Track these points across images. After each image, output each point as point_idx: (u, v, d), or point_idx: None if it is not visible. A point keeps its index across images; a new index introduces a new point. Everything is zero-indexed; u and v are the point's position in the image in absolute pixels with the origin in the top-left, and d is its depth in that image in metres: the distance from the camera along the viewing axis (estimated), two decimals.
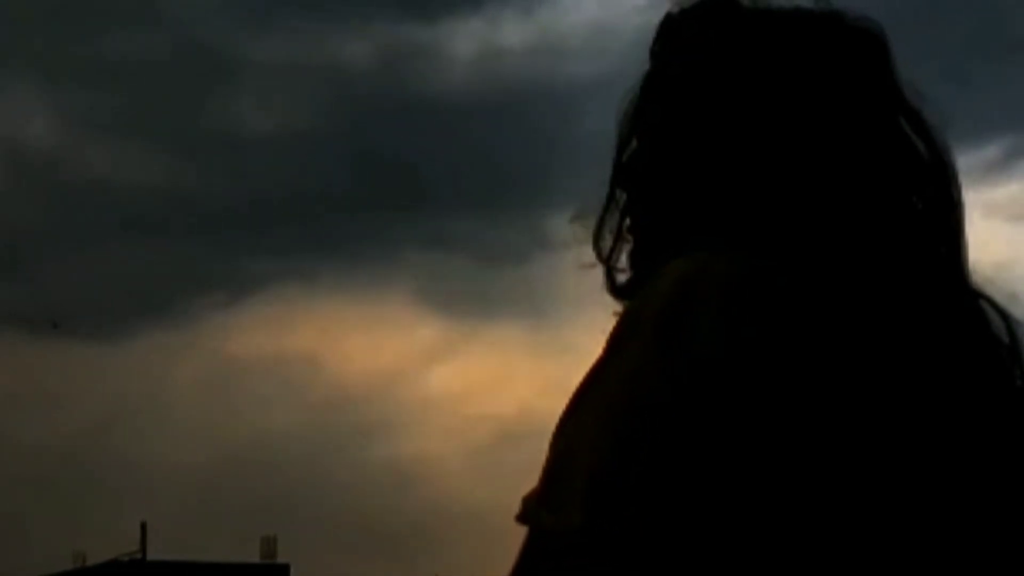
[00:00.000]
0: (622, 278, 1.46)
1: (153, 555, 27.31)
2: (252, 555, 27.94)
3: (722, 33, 1.42)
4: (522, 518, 1.30)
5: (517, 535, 1.32)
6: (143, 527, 27.09)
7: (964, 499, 1.30)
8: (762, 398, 1.26)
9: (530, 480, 1.35)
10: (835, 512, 1.27)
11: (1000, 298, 1.39)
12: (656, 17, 1.48)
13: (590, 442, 1.28)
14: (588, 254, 1.50)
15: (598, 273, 1.49)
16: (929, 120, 1.41)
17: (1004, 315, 1.38)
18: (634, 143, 1.46)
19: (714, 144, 1.39)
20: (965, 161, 1.47)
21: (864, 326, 1.30)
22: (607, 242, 1.46)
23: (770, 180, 1.36)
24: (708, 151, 1.40)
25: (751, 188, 1.37)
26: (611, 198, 1.46)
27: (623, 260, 1.46)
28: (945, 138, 1.42)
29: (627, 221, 1.45)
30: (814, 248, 1.33)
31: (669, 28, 1.46)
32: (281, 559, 27.91)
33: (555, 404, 1.35)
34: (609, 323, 1.34)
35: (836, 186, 1.36)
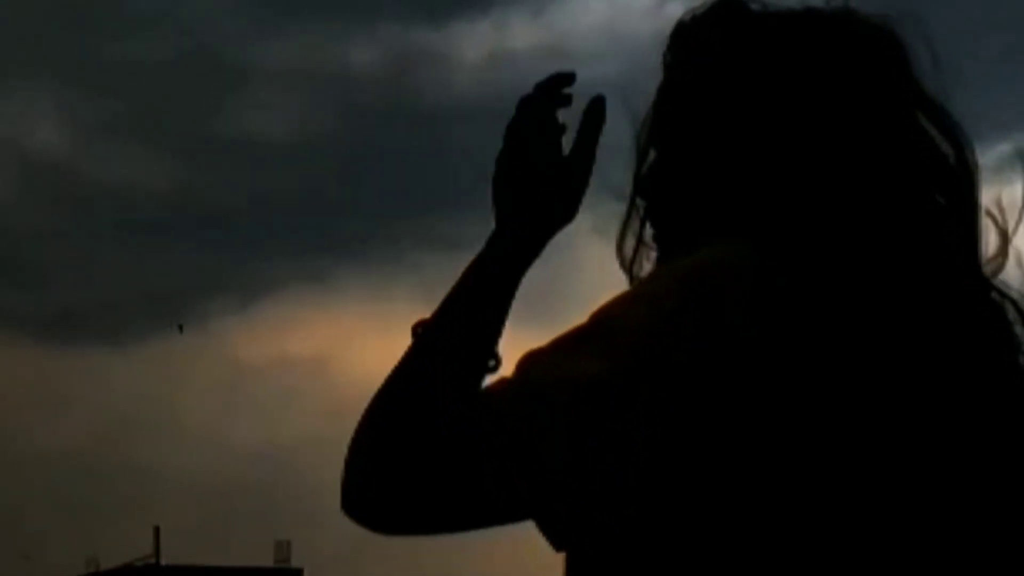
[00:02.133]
0: None
1: (167, 560, 27.31)
2: (266, 559, 27.94)
3: (733, 38, 1.42)
4: (542, 366, 1.30)
5: (531, 539, 1.32)
6: (156, 532, 27.08)
7: (968, 498, 1.30)
8: (758, 399, 1.27)
9: None
10: (832, 509, 1.27)
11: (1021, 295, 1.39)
12: (665, 19, 1.48)
13: (640, 311, 1.30)
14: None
15: (608, 275, 1.49)
16: (950, 114, 1.41)
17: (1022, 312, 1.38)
18: (652, 153, 1.46)
19: (729, 149, 1.39)
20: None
21: (870, 326, 1.30)
22: (629, 250, 1.47)
23: (784, 182, 1.36)
24: (723, 156, 1.39)
25: (767, 191, 1.37)
26: (631, 207, 1.46)
27: (646, 268, 1.46)
28: (967, 132, 1.41)
29: (648, 229, 1.46)
30: (826, 247, 1.33)
31: (680, 36, 1.46)
32: (295, 563, 27.90)
33: None
34: None
35: (851, 186, 1.35)
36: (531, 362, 1.30)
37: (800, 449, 1.27)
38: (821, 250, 1.32)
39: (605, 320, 1.30)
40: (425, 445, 1.31)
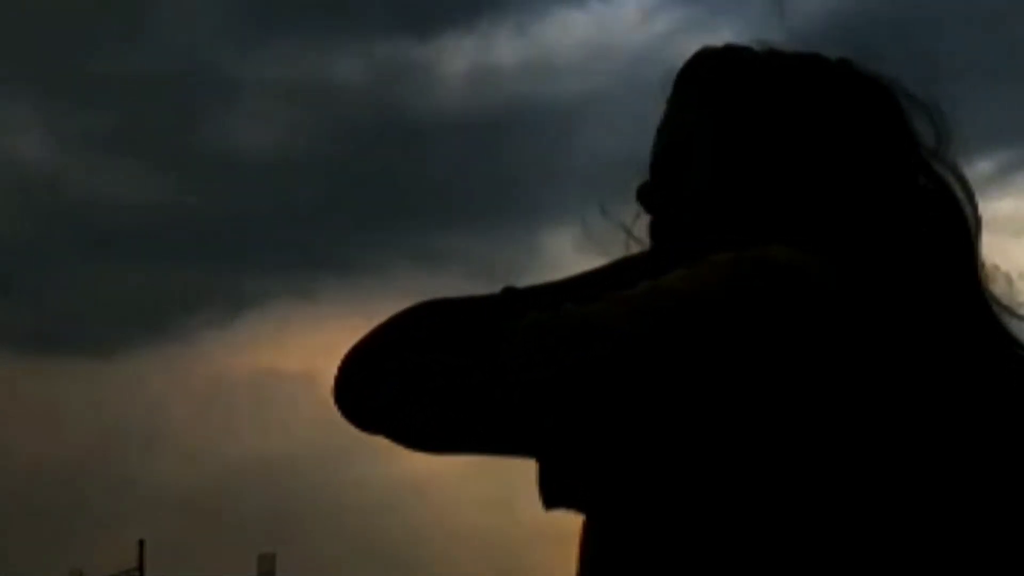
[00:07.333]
0: None
1: (151, 572, 27.28)
2: (250, 572, 27.90)
3: (739, 81, 1.48)
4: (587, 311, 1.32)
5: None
6: (141, 544, 27.06)
7: (970, 502, 1.32)
8: (788, 390, 1.29)
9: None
10: (837, 510, 1.30)
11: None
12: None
13: (690, 284, 1.32)
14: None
15: None
16: (946, 160, 1.46)
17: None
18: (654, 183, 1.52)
19: (736, 187, 1.45)
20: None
21: (877, 337, 1.32)
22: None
23: (791, 213, 1.40)
24: (733, 192, 1.46)
25: (771, 219, 1.41)
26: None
27: None
28: (965, 178, 1.46)
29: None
30: (849, 269, 1.36)
31: (686, 78, 1.50)
32: None
33: None
34: None
35: (854, 215, 1.39)
36: (577, 307, 1.34)
37: (818, 442, 1.30)
38: (846, 269, 1.35)
39: (656, 284, 1.33)
40: (455, 354, 1.35)
